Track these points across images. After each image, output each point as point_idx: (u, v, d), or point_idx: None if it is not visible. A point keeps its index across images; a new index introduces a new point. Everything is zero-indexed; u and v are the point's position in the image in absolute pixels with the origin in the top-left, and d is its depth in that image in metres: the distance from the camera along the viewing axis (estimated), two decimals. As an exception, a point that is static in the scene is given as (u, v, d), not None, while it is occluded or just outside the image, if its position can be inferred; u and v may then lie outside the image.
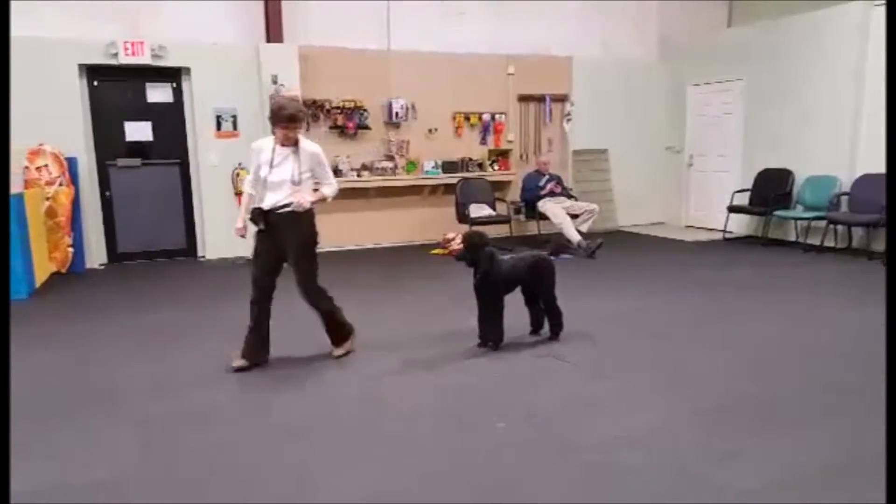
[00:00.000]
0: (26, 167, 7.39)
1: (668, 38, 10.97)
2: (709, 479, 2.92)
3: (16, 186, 7.14)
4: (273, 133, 4.30)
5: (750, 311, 5.75)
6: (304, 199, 4.28)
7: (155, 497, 2.88)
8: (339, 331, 4.64)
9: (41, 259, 7.14)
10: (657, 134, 11.05)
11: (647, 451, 3.19)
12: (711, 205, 10.41)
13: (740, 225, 9.70)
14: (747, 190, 9.50)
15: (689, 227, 10.77)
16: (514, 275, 4.77)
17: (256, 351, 4.45)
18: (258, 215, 4.33)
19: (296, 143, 4.31)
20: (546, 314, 4.95)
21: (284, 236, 4.34)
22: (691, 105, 10.75)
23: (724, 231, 9.60)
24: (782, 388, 3.96)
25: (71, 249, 7.69)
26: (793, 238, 9.08)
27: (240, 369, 4.35)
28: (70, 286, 7.10)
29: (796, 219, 8.84)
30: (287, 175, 4.27)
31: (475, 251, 4.60)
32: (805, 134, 8.87)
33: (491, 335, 4.73)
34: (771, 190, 9.06)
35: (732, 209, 9.45)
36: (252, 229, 4.44)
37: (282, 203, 4.29)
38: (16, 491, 2.85)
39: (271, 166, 4.26)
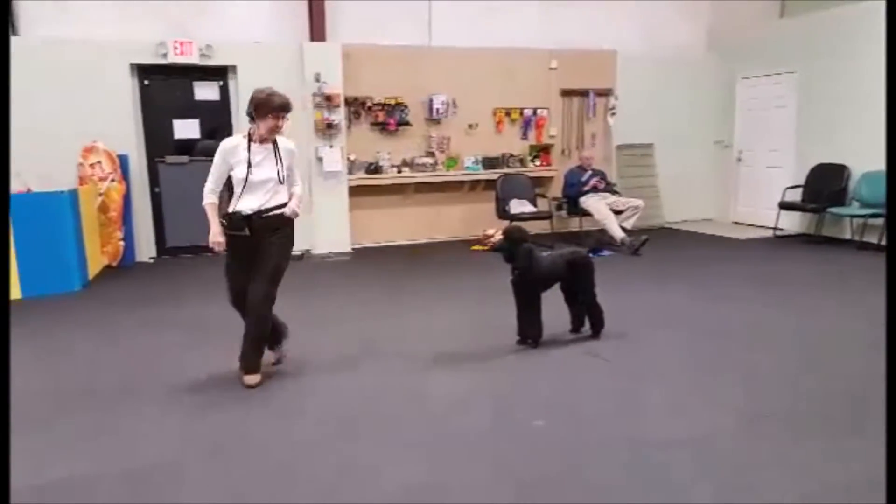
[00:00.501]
0: (80, 164, 7.67)
1: (717, 31, 10.72)
2: (753, 486, 2.84)
3: (70, 182, 7.44)
4: (254, 127, 3.99)
5: (802, 310, 5.58)
6: (296, 205, 4.13)
7: (206, 479, 2.99)
8: (273, 339, 4.36)
9: (94, 253, 7.40)
10: (705, 128, 10.81)
11: (691, 452, 3.12)
12: (761, 201, 10.14)
13: (792, 222, 9.42)
14: (799, 186, 9.22)
15: (737, 224, 10.52)
16: (553, 271, 4.73)
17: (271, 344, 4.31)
18: (240, 220, 3.99)
19: (274, 140, 4.05)
20: (586, 312, 4.88)
21: (269, 240, 4.04)
22: (741, 98, 10.49)
23: (775, 228, 9.35)
24: (838, 391, 3.82)
25: (122, 243, 7.94)
26: (847, 236, 8.75)
27: (256, 385, 4.09)
28: (121, 279, 7.34)
29: (852, 216, 8.53)
30: (271, 174, 4.01)
31: (514, 245, 4.55)
32: (861, 128, 8.53)
33: (529, 332, 4.70)
34: (825, 186, 8.76)
35: (784, 206, 9.19)
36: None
37: (268, 206, 4.02)
38: (80, 473, 3.02)
39: (250, 165, 3.96)
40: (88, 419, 3.66)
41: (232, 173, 4.00)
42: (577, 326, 4.97)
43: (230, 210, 4.03)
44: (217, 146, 4.05)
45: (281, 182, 4.06)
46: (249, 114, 3.99)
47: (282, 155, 4.07)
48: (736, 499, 2.75)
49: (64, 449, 3.32)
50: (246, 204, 3.99)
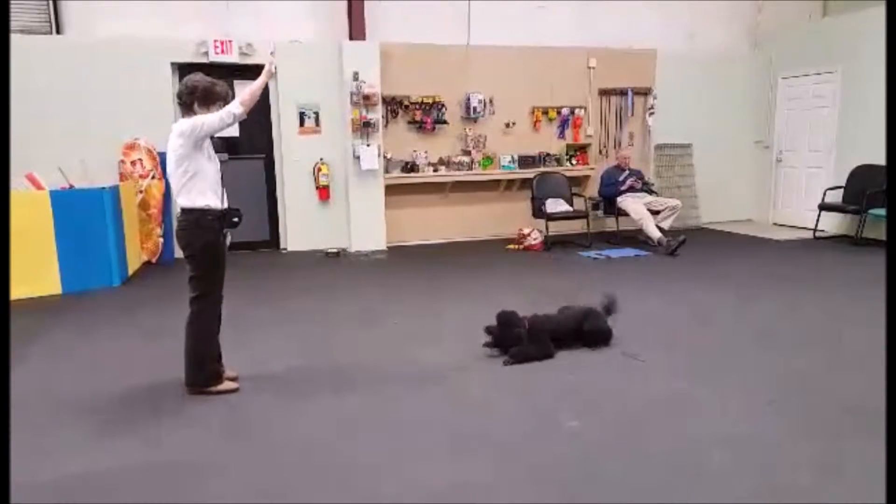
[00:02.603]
0: (122, 161, 7.76)
1: (758, 30, 10.55)
2: (792, 487, 2.81)
3: (111, 179, 7.53)
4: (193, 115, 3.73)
5: (844, 312, 5.50)
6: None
7: (250, 474, 3.00)
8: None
9: (133, 249, 7.49)
10: (744, 128, 10.65)
11: (731, 453, 3.09)
12: (801, 202, 10.00)
13: (832, 224, 9.25)
14: (840, 187, 9.04)
15: (776, 226, 10.34)
16: (559, 331, 4.62)
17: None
18: (235, 215, 3.87)
19: None
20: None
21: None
22: (782, 98, 10.31)
23: (815, 230, 9.17)
24: (882, 394, 3.70)
25: (161, 240, 8.02)
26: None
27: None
28: (160, 275, 7.40)
29: (886, 217, 8.36)
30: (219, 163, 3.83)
31: (505, 330, 4.47)
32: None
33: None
34: (866, 187, 8.59)
35: (824, 207, 9.02)
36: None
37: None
38: (121, 465, 3.04)
39: (209, 157, 3.76)
40: (121, 415, 3.68)
41: (202, 167, 3.71)
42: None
43: (222, 207, 3.80)
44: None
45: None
46: (189, 102, 3.71)
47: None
48: (776, 498, 2.73)
49: (93, 444, 3.35)
50: (216, 198, 3.78)
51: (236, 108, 3.66)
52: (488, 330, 4.50)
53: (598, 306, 4.78)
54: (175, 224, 4.02)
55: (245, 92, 3.72)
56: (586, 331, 4.62)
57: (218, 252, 3.80)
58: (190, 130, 3.63)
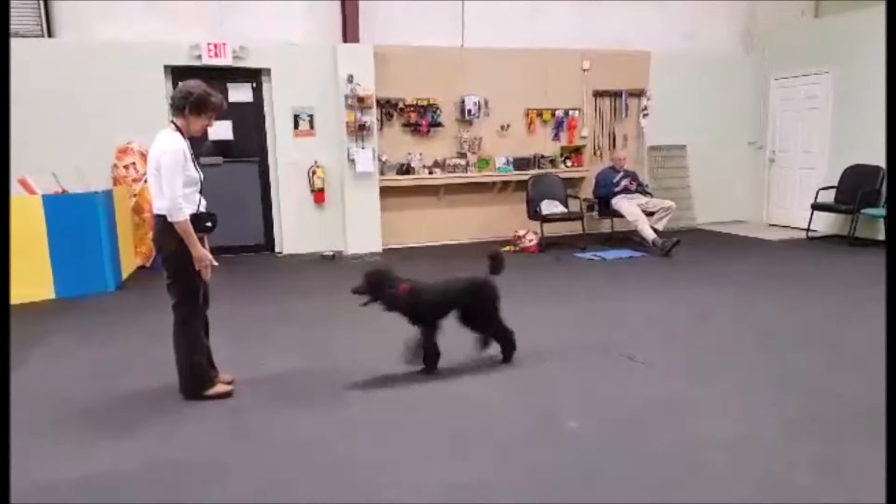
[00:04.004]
0: (115, 165, 7.72)
1: (751, 31, 10.59)
2: (791, 487, 2.81)
3: (104, 183, 7.49)
4: (183, 121, 3.71)
5: (839, 312, 5.51)
6: None
7: (250, 475, 2.99)
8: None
9: (127, 253, 7.45)
10: (738, 129, 10.68)
11: (731, 453, 3.09)
12: (794, 202, 10.04)
13: (825, 224, 9.29)
14: (833, 187, 9.08)
15: (770, 226, 10.37)
16: (445, 300, 4.25)
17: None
18: (212, 218, 3.81)
19: None
20: (493, 339, 4.42)
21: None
22: (775, 99, 10.35)
23: (808, 230, 9.21)
24: (881, 393, 3.71)
25: (155, 244, 7.97)
26: (881, 237, 8.63)
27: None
28: (154, 279, 7.30)
29: (886, 217, 8.40)
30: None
31: (376, 292, 4.10)
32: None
33: (425, 360, 4.24)
34: (858, 187, 8.63)
35: (817, 207, 9.05)
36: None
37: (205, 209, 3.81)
38: (120, 467, 3.03)
39: (195, 165, 3.74)
40: (120, 418, 3.66)
41: (189, 174, 3.67)
42: (484, 345, 4.45)
43: (195, 211, 3.71)
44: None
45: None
46: (182, 107, 3.67)
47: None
48: (776, 498, 2.73)
49: (92, 446, 3.34)
50: (200, 204, 3.76)
51: (178, 214, 3.56)
52: (357, 291, 4.07)
53: (486, 273, 4.39)
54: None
55: (189, 234, 3.61)
56: (468, 312, 4.26)
57: (188, 258, 3.70)
58: (156, 166, 3.61)
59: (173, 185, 3.56)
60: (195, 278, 3.78)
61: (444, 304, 4.23)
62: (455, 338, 4.87)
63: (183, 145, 3.64)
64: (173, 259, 3.72)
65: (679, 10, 10.16)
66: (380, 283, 4.08)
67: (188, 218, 3.61)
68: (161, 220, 3.68)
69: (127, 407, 3.82)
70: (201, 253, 3.69)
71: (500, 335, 4.38)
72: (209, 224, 3.81)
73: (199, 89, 3.69)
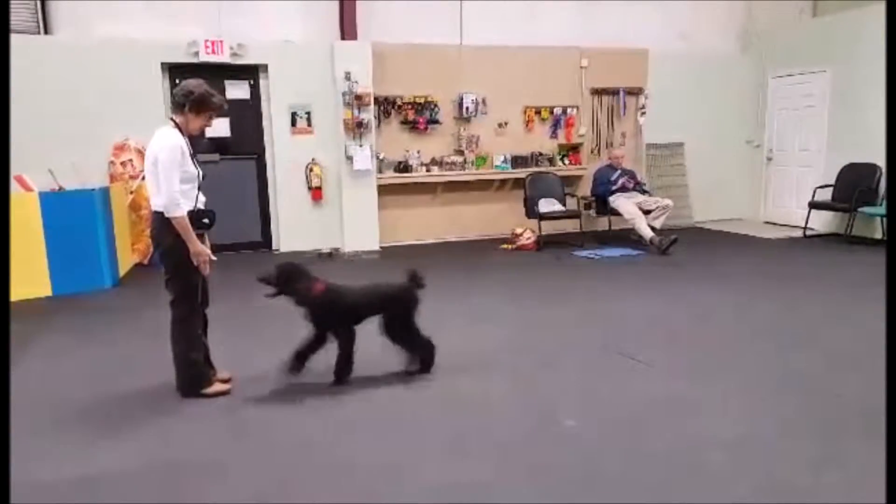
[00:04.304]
0: (112, 162, 7.70)
1: (749, 30, 10.59)
2: (791, 487, 2.81)
3: (101, 180, 7.47)
4: (182, 119, 3.72)
5: (837, 311, 5.52)
6: None
7: (250, 475, 2.98)
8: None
9: (125, 250, 7.43)
10: (735, 127, 10.69)
11: (730, 454, 3.09)
12: (791, 201, 10.06)
13: (822, 222, 9.30)
14: (830, 185, 9.10)
15: (767, 224, 10.39)
16: (363, 304, 4.09)
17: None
18: (209, 215, 3.81)
19: None
20: (412, 350, 4.21)
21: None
22: (772, 97, 10.36)
23: (805, 228, 9.22)
24: (880, 392, 3.72)
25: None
26: (878, 235, 8.66)
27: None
28: (151, 276, 7.31)
29: (883, 216, 8.43)
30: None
31: (287, 287, 3.94)
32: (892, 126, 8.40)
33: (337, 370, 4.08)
34: (855, 185, 8.65)
35: (814, 205, 9.07)
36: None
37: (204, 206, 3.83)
38: (120, 466, 3.02)
39: (194, 162, 3.75)
40: (120, 417, 3.65)
41: (188, 170, 3.68)
42: (410, 362, 4.24)
43: (193, 208, 3.70)
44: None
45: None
46: (182, 104, 3.68)
47: None
48: (776, 498, 2.73)
49: (92, 445, 3.33)
50: (198, 201, 3.76)
51: (175, 210, 3.57)
52: (264, 280, 3.90)
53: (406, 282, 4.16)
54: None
55: (187, 230, 3.62)
56: (389, 320, 4.09)
57: (185, 253, 3.69)
58: (154, 161, 3.62)
59: (170, 180, 3.57)
60: (193, 275, 3.78)
61: (363, 308, 4.09)
62: (455, 340, 4.89)
63: (181, 142, 3.65)
64: (171, 255, 3.73)
65: (677, 9, 10.16)
66: (292, 276, 3.93)
67: (186, 214, 3.62)
68: (159, 216, 3.68)
69: (126, 406, 3.81)
70: (199, 248, 3.70)
71: (418, 346, 4.18)
72: (207, 221, 3.81)
73: (201, 88, 3.72)
